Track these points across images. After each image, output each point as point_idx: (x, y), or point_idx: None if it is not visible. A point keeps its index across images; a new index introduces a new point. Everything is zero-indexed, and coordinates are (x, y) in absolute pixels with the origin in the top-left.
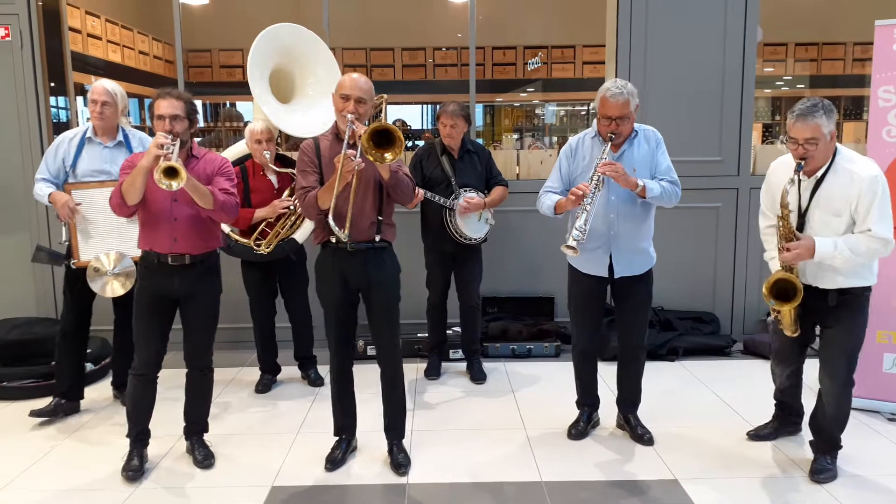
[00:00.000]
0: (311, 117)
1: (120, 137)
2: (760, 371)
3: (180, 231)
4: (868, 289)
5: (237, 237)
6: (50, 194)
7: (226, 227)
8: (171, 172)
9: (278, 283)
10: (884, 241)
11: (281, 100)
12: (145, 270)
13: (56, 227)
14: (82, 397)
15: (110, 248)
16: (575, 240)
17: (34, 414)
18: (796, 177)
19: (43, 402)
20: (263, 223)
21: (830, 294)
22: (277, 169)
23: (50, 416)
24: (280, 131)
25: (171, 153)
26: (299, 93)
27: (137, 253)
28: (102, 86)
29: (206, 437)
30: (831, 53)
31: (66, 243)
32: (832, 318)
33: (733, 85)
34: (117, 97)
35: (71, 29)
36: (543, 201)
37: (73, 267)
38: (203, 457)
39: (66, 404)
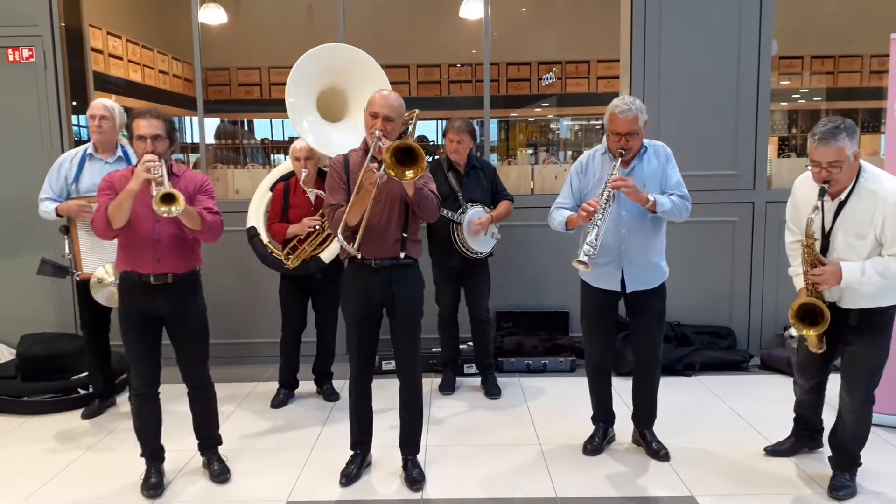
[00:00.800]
0: (354, 138)
1: (119, 153)
2: (778, 386)
3: (164, 251)
4: (893, 308)
5: (273, 249)
6: (56, 208)
7: (265, 238)
8: (168, 198)
9: (311, 297)
10: None
11: (331, 119)
12: (126, 291)
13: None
14: (112, 395)
15: (113, 259)
16: (586, 255)
17: (87, 416)
18: (820, 203)
19: (63, 417)
20: (296, 239)
21: (852, 313)
22: (310, 189)
23: (97, 414)
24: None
25: (162, 176)
26: (353, 113)
27: None
28: (100, 102)
29: (221, 450)
30: (848, 66)
31: (70, 256)
32: (854, 335)
33: (748, 98)
34: (115, 112)
35: (93, 49)
36: (555, 217)
37: (78, 279)
38: (220, 471)
39: (106, 402)
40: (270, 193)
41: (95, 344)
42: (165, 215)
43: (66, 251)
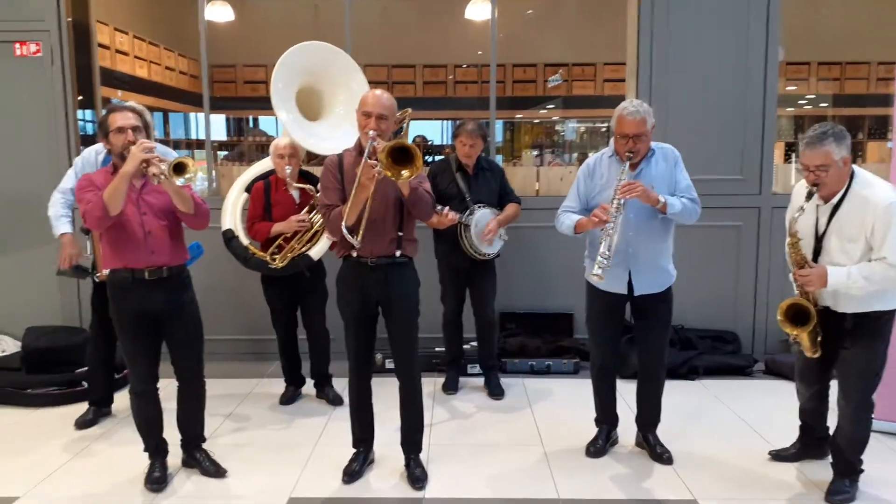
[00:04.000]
0: (336, 136)
1: None
2: (782, 391)
3: (156, 244)
4: (890, 312)
5: (255, 251)
6: (62, 234)
7: (244, 240)
8: (180, 168)
9: (298, 298)
10: None
11: (309, 117)
12: (119, 291)
13: (80, 238)
14: (111, 402)
15: None
16: (600, 267)
17: (80, 426)
18: (806, 204)
19: (67, 409)
20: (280, 238)
21: (847, 317)
22: (297, 185)
23: (92, 424)
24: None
25: (157, 155)
26: (328, 111)
27: None
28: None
29: (218, 445)
30: (855, 73)
31: (91, 256)
32: (850, 339)
33: (755, 103)
34: (146, 116)
35: (100, 45)
36: (563, 221)
37: (98, 280)
38: (215, 467)
39: (101, 411)
40: (246, 195)
41: (104, 352)
42: (185, 183)
43: (88, 251)
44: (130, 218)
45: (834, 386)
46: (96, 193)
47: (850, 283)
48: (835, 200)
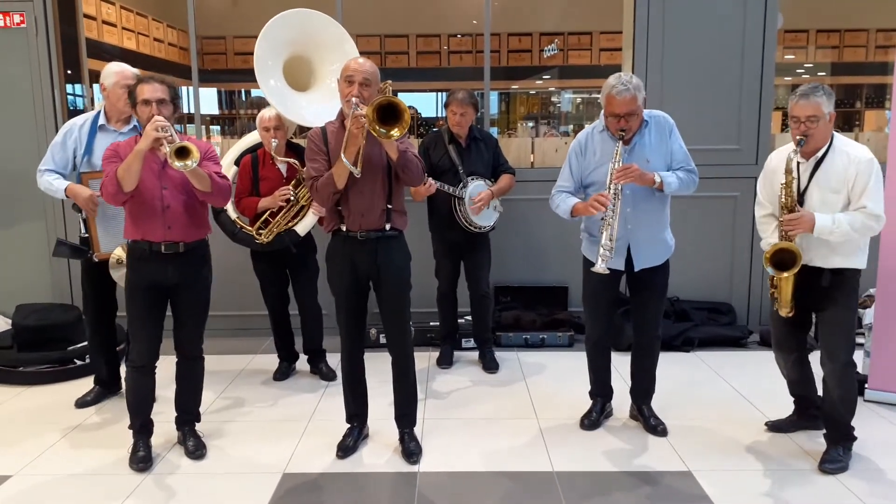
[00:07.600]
0: (325, 107)
1: (134, 122)
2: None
3: (173, 219)
4: (859, 272)
5: (242, 225)
6: (67, 187)
7: (233, 214)
8: (183, 152)
9: (289, 273)
10: (877, 217)
11: (298, 88)
12: (136, 262)
13: (72, 216)
14: (120, 387)
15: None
16: (604, 260)
17: (80, 405)
18: (798, 149)
19: (59, 387)
20: (267, 212)
21: (824, 274)
22: (282, 158)
23: (93, 404)
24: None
25: (172, 135)
26: (318, 82)
27: None
28: (130, 70)
29: (200, 426)
30: (853, 40)
31: (86, 236)
32: (827, 299)
33: (752, 72)
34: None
35: (86, 16)
36: (559, 204)
37: (96, 260)
38: (195, 447)
39: (107, 392)
40: (235, 168)
41: (102, 329)
42: (181, 168)
43: (82, 231)
44: (150, 191)
45: (813, 354)
46: (117, 165)
47: (833, 228)
48: (819, 155)
